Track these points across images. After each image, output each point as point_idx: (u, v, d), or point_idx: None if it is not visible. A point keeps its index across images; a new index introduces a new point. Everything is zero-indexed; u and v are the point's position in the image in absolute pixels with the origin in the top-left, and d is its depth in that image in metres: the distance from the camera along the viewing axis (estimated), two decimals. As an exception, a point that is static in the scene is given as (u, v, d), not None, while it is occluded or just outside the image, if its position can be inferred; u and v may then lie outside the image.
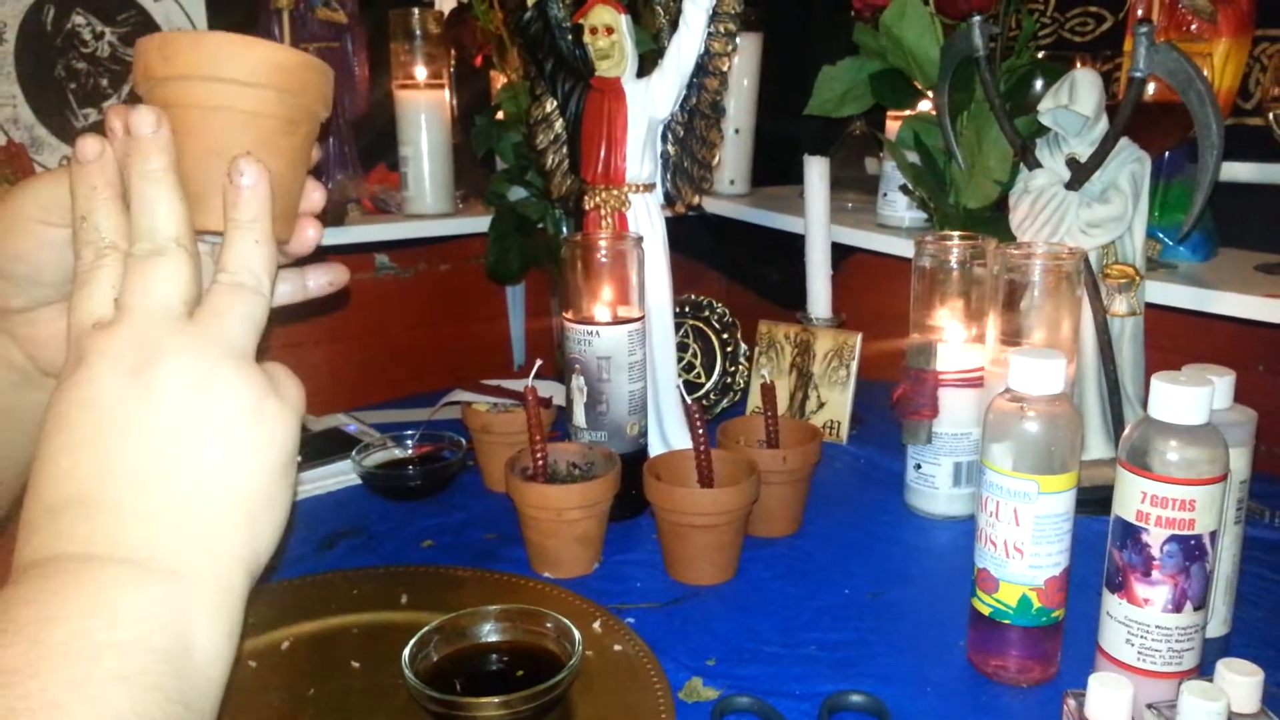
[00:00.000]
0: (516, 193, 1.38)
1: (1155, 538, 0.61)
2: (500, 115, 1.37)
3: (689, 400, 0.90)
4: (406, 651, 0.65)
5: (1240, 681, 0.53)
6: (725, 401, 1.24)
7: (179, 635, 0.39)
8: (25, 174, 1.15)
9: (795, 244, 1.25)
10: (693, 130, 1.01)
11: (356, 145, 1.39)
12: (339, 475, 1.06)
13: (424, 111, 1.35)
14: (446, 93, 1.37)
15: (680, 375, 1.11)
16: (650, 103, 0.97)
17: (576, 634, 0.67)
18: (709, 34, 0.95)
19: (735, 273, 1.74)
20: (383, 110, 1.40)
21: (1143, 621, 0.62)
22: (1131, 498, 0.62)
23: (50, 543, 0.39)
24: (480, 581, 0.84)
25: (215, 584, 0.41)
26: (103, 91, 1.28)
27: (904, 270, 1.01)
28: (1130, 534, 0.62)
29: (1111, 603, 0.64)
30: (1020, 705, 0.68)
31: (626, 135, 0.98)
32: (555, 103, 1.02)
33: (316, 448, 1.11)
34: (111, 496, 0.40)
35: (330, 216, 1.30)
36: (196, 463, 0.41)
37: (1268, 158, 1.07)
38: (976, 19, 0.96)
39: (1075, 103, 0.90)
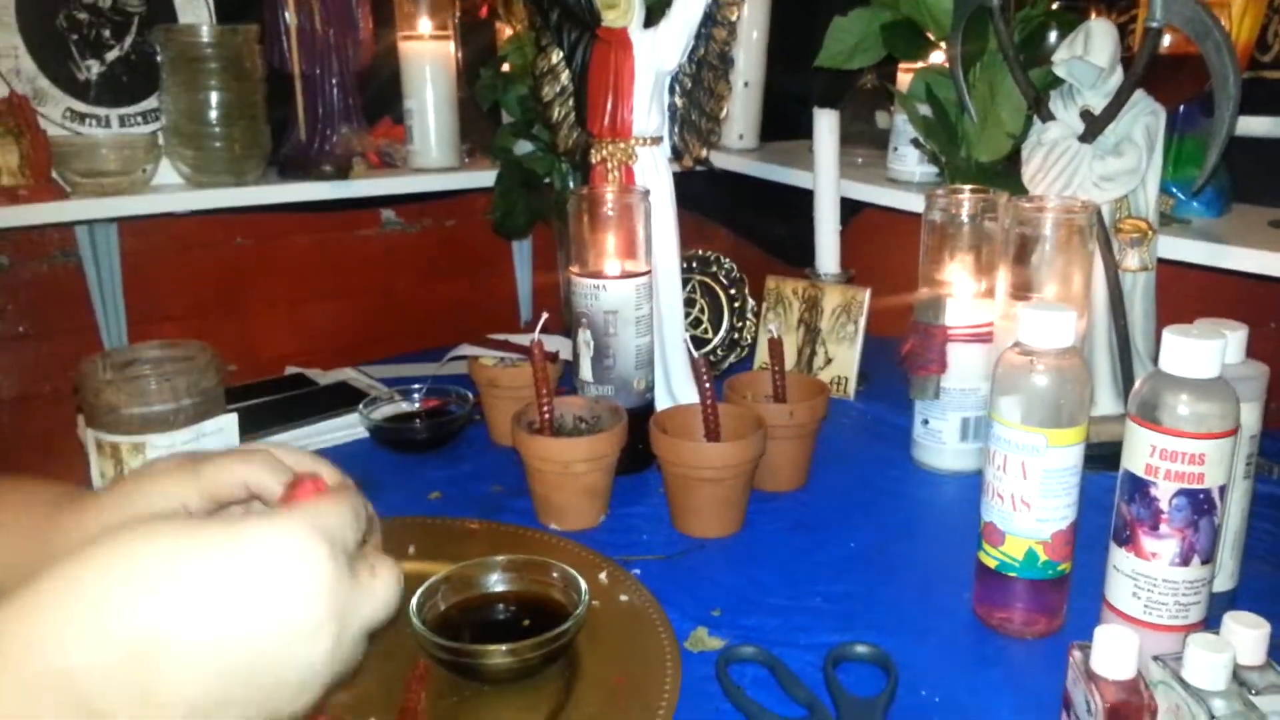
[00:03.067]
0: (523, 147, 1.37)
1: (1164, 491, 0.61)
2: (506, 67, 1.36)
3: (696, 354, 0.90)
4: (414, 600, 0.65)
5: (1247, 634, 0.53)
6: (732, 357, 1.23)
7: None
8: (28, 125, 1.14)
9: (804, 199, 1.24)
10: (700, 82, 0.99)
11: (361, 98, 1.38)
12: (346, 428, 1.06)
13: (429, 64, 1.34)
14: (451, 45, 1.36)
15: (687, 331, 1.11)
16: (657, 54, 0.96)
17: (583, 584, 0.67)
18: (718, -18, 0.94)
19: (743, 229, 1.72)
20: (387, 63, 1.38)
21: (1150, 575, 0.62)
22: (1141, 451, 0.61)
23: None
24: (487, 533, 0.85)
25: None
26: (105, 42, 1.26)
27: (913, 226, 1.00)
28: (1139, 488, 0.62)
29: (1118, 556, 0.64)
30: (1025, 657, 0.68)
31: (633, 87, 0.96)
32: (561, 54, 1.01)
33: (324, 401, 1.12)
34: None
35: (335, 170, 1.29)
36: None
37: (1285, 111, 1.06)
38: (991, -33, 0.94)
39: (1090, 54, 0.88)
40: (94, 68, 1.26)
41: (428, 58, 1.33)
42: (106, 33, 1.27)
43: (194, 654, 0.36)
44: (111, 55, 1.27)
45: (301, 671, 0.39)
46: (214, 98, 1.22)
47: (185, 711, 0.36)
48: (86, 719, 0.34)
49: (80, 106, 1.26)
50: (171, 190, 1.26)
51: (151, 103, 1.30)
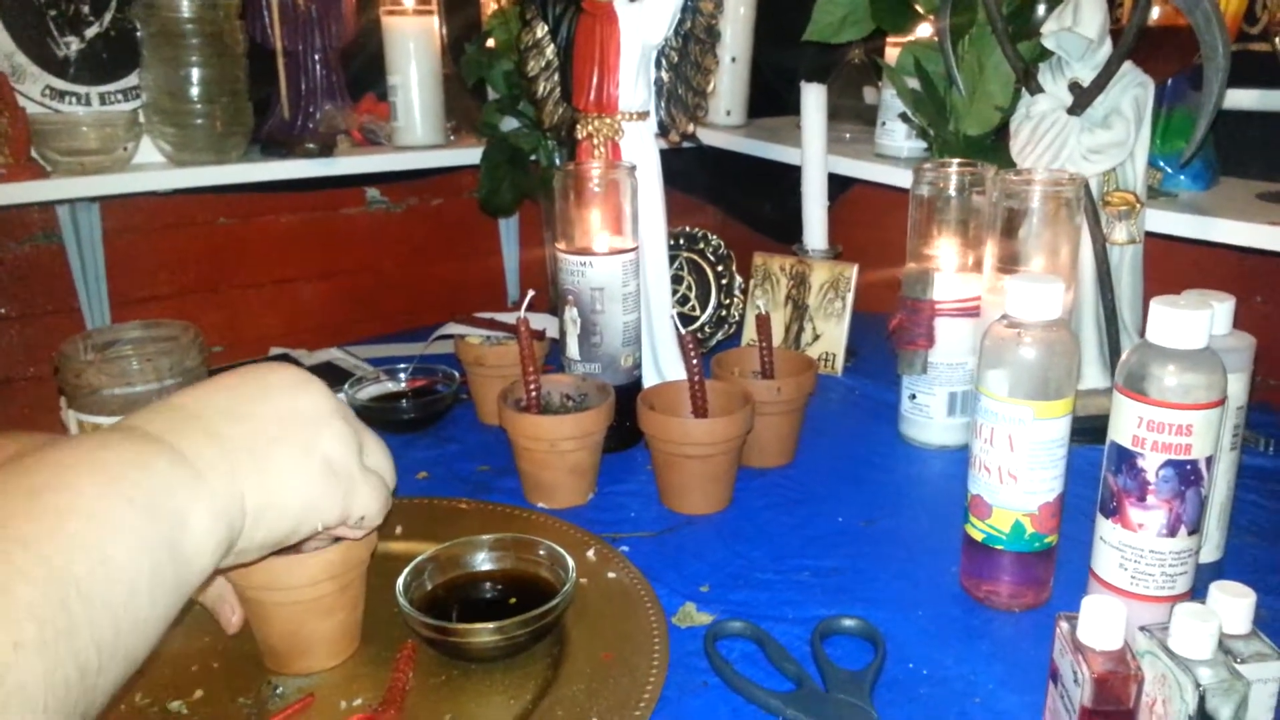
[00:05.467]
0: (508, 123, 1.36)
1: (1151, 462, 0.61)
2: (491, 43, 1.34)
3: (683, 331, 0.89)
4: (401, 580, 0.65)
5: (1233, 604, 0.53)
6: (720, 334, 1.23)
7: (181, 516, 0.46)
8: (6, 103, 1.12)
9: (791, 175, 1.24)
10: (687, 55, 0.99)
11: (344, 74, 1.37)
12: (332, 408, 1.06)
13: (413, 39, 1.32)
14: (436, 20, 1.35)
15: (674, 308, 1.10)
16: (644, 27, 0.94)
17: (570, 561, 0.67)
18: (704, -46, 0.93)
19: (730, 207, 1.72)
20: (370, 37, 1.37)
21: (1136, 546, 0.62)
22: (1128, 422, 0.61)
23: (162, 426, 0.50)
24: (475, 512, 0.84)
25: (217, 498, 0.48)
26: (84, 18, 1.25)
27: (901, 203, 0.99)
28: (1126, 459, 0.62)
29: (1105, 527, 0.64)
30: (1012, 629, 0.68)
31: (619, 61, 0.95)
32: (546, 28, 1.00)
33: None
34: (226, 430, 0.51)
35: (319, 148, 1.28)
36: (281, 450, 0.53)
37: (1272, 84, 1.05)
38: (979, -62, 0.93)
39: (1079, 25, 0.88)
40: (73, 44, 1.25)
41: (411, 32, 1.32)
42: (86, 8, 1.25)
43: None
44: (91, 31, 1.26)
45: (314, 400, 0.55)
46: (195, 74, 1.21)
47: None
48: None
49: (59, 84, 1.25)
50: (153, 169, 1.25)
51: (132, 80, 1.28)
